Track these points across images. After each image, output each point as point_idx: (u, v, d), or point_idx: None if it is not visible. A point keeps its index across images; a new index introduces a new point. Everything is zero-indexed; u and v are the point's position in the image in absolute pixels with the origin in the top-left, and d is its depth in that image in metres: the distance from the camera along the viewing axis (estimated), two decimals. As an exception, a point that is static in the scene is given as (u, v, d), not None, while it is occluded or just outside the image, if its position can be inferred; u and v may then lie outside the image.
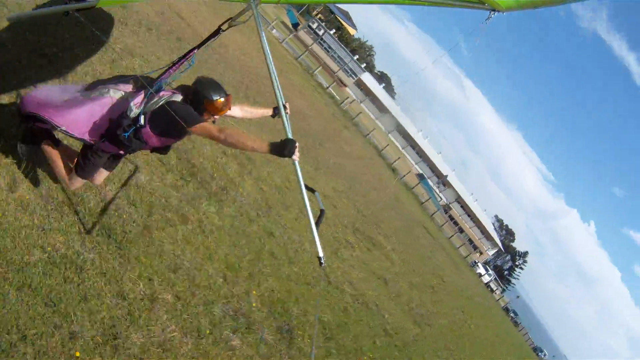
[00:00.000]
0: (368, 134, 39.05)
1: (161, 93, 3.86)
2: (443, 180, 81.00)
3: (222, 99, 3.82)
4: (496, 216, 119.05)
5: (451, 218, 69.07)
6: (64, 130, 3.81)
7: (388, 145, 43.64)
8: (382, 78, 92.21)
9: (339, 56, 56.57)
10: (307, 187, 3.43)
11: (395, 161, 41.41)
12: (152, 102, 3.77)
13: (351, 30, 74.94)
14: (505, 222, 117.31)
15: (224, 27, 3.95)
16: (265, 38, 3.34)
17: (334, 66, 52.25)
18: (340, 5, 69.23)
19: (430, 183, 71.94)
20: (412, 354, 9.88)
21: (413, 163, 75.96)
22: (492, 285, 53.48)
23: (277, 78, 3.46)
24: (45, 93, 3.92)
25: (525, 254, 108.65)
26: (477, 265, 52.04)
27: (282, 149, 3.19)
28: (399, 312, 11.39)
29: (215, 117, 3.92)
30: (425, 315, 13.25)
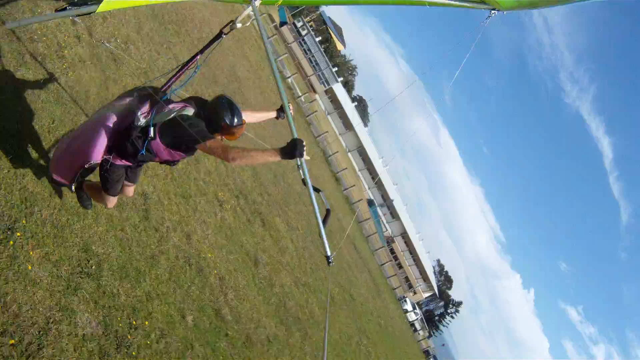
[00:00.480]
0: (320, 135, 36.67)
1: (171, 105, 3.85)
2: (392, 212, 79.64)
3: (240, 126, 3.78)
4: (438, 260, 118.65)
5: (392, 252, 67.57)
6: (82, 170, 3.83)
7: (346, 168, 41.31)
8: (359, 101, 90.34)
9: (316, 60, 54.57)
10: (313, 187, 3.41)
11: (341, 170, 39.09)
12: (162, 113, 3.76)
13: (339, 46, 73.19)
14: (446, 269, 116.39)
15: (225, 31, 4.01)
16: (268, 41, 3.43)
17: (308, 69, 50.16)
18: (336, 21, 67.74)
19: (379, 212, 70.55)
20: (254, 355, 7.38)
21: (366, 187, 74.52)
22: (417, 324, 51.38)
23: (280, 79, 3.41)
24: (58, 152, 4.01)
25: (460, 303, 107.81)
26: (405, 301, 49.99)
27: (293, 151, 3.18)
28: (261, 302, 8.85)
29: (224, 138, 3.84)
30: (303, 321, 10.76)
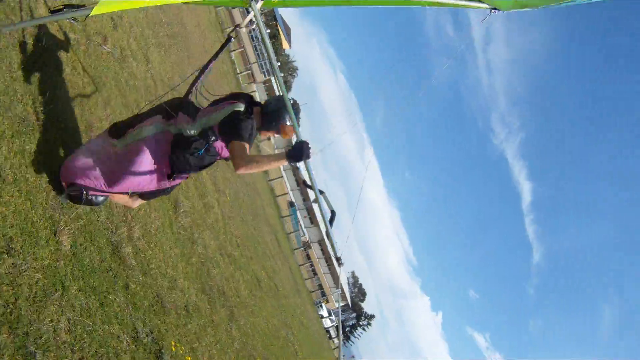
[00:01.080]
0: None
1: (221, 105, 3.79)
2: (311, 218, 78.02)
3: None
4: (353, 272, 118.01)
5: (308, 257, 65.78)
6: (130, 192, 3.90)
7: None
8: (293, 104, 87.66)
9: (261, 50, 52.06)
10: (312, 188, 3.59)
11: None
12: (215, 114, 3.69)
13: (285, 44, 70.76)
14: (360, 281, 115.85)
15: (233, 35, 4.10)
16: (268, 40, 3.33)
17: (252, 56, 47.74)
18: (287, 21, 65.64)
19: (299, 215, 68.73)
20: (167, 326, 4.89)
21: (289, 188, 72.60)
22: (332, 332, 49.40)
23: (280, 77, 3.51)
24: (81, 160, 3.66)
25: (372, 317, 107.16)
26: (321, 306, 47.97)
27: (300, 153, 3.24)
28: (179, 257, 6.33)
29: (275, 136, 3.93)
30: (230, 298, 8.29)
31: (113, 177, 3.64)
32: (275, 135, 3.90)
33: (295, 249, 42.56)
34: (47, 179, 3.72)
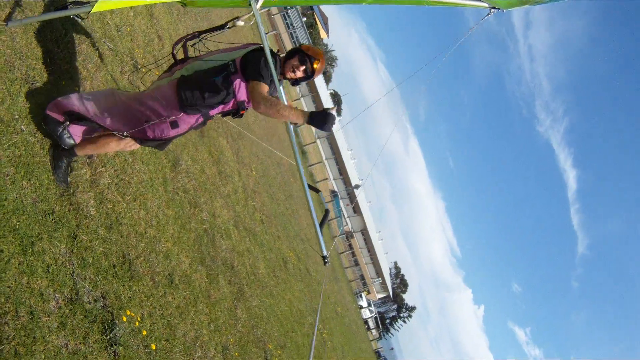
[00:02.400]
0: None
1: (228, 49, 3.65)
2: (355, 207, 76.92)
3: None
4: (395, 263, 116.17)
5: (350, 247, 64.85)
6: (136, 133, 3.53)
7: (314, 142, 37.61)
8: (334, 95, 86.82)
9: (297, 37, 51.10)
10: (311, 187, 3.44)
11: (309, 144, 35.70)
12: (237, 51, 3.52)
13: (323, 34, 69.95)
14: (402, 272, 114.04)
15: (228, 25, 3.88)
16: (266, 40, 3.26)
17: (288, 44, 46.87)
18: (323, 10, 64.75)
19: (342, 204, 67.73)
20: (135, 293, 3.94)
21: (331, 177, 71.64)
22: (371, 323, 48.33)
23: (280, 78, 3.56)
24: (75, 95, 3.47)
25: (413, 308, 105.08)
26: (361, 297, 46.93)
27: (323, 122, 3.19)
28: (169, 220, 5.42)
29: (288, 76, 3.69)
30: (239, 273, 7.36)
31: (110, 112, 3.48)
32: (298, 65, 3.62)
33: (335, 237, 41.46)
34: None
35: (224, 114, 3.65)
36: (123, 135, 3.51)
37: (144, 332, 3.85)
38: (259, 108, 3.26)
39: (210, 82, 3.42)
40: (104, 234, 3.86)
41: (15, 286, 2.76)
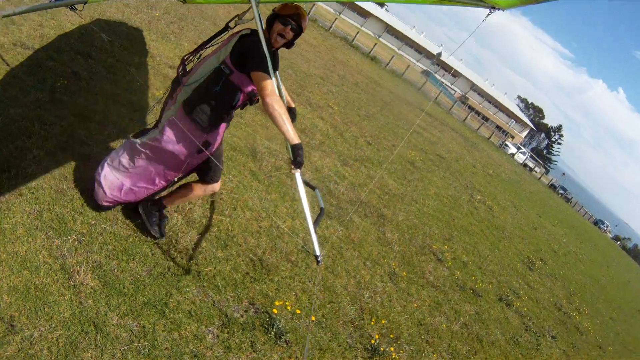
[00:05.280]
0: (330, 27, 31.97)
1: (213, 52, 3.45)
2: (452, 73, 74.04)
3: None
4: (519, 96, 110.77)
5: (471, 109, 62.72)
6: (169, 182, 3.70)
7: (376, 44, 36.18)
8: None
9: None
10: (306, 184, 3.23)
11: (372, 49, 34.47)
12: (222, 50, 3.33)
13: None
14: (530, 101, 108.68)
15: (231, 25, 3.70)
16: (263, 38, 2.97)
17: None
18: None
19: (438, 77, 65.43)
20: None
21: (414, 61, 69.36)
22: (530, 163, 46.75)
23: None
24: (109, 179, 3.58)
25: (559, 127, 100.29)
26: (507, 146, 45.39)
27: (298, 156, 2.93)
28: (282, 207, 5.43)
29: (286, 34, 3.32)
30: (379, 202, 7.29)
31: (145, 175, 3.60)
32: (284, 30, 3.33)
33: (450, 109, 40.21)
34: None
35: (241, 106, 3.54)
36: (175, 180, 3.68)
37: (298, 311, 3.91)
38: (267, 104, 3.02)
39: (214, 96, 3.35)
40: (223, 254, 3.96)
41: (170, 344, 2.91)
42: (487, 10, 2.87)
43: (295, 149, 2.90)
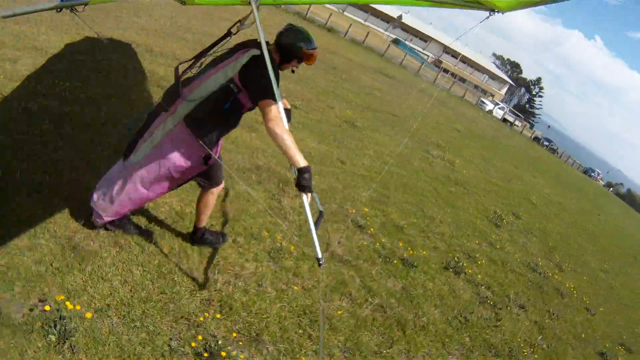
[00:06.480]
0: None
1: (230, 59, 3.31)
2: (420, 37, 72.53)
3: (315, 49, 3.39)
4: (494, 54, 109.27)
5: (445, 71, 61.18)
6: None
7: (331, 14, 34.37)
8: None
9: None
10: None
11: (328, 20, 32.63)
12: (231, 66, 3.24)
13: None
14: (506, 57, 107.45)
15: (233, 30, 3.61)
16: (264, 41, 3.05)
17: None
18: None
19: (409, 44, 63.87)
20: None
21: (382, 30, 67.71)
22: (509, 117, 45.38)
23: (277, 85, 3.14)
24: (109, 192, 3.55)
25: (539, 80, 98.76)
26: (484, 102, 43.97)
27: (307, 183, 2.91)
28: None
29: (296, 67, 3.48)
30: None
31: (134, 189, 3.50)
32: (297, 65, 3.45)
33: (418, 71, 38.36)
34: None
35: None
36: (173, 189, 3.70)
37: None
38: (270, 131, 2.98)
39: (222, 113, 3.33)
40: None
41: None
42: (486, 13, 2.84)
43: (302, 173, 2.88)
